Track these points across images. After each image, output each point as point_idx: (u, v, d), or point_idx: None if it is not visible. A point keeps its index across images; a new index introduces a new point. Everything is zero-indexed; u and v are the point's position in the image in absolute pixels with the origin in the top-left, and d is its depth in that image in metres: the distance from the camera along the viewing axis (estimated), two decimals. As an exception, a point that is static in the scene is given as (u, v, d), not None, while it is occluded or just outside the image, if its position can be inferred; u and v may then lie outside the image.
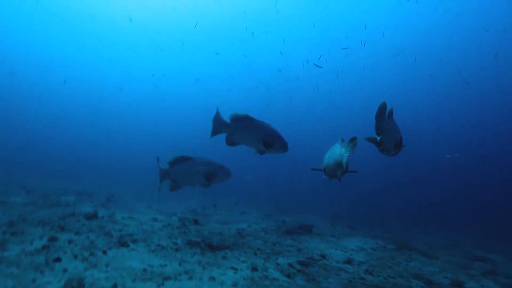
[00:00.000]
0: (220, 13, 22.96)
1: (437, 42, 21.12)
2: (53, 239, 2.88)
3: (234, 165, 3.82)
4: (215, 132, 3.05)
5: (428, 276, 3.60)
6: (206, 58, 27.20)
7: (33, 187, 7.07)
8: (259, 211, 8.92)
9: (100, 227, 3.73)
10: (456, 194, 18.72)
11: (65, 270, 2.24)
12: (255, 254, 3.51)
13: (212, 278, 2.50)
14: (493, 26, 18.25)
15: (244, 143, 3.09)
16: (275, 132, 3.01)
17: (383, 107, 2.38)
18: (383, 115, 2.43)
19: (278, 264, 3.21)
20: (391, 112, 2.49)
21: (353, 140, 2.33)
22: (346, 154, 2.31)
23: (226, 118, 3.05)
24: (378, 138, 2.50)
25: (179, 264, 2.74)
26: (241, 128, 2.99)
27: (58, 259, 2.41)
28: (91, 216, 4.21)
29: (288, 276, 2.86)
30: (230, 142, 3.06)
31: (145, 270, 2.47)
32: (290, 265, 3.23)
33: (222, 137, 3.12)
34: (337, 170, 2.48)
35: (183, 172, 3.37)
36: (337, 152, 2.51)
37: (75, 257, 2.52)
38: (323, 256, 3.87)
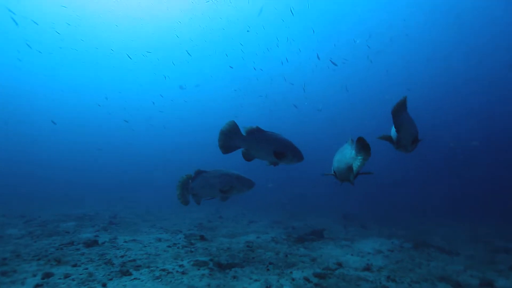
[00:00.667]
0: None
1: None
2: (47, 276, 2.66)
3: (257, 174, 3.62)
4: (229, 147, 2.83)
5: (454, 276, 3.36)
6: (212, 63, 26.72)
7: (33, 215, 6.85)
8: (267, 218, 8.67)
9: (100, 255, 3.51)
10: (467, 184, 18.39)
11: (60, 313, 2.03)
12: (268, 269, 3.28)
13: (223, 305, 2.27)
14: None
15: (258, 156, 2.94)
16: (286, 141, 2.83)
17: (403, 102, 2.17)
18: (404, 111, 2.23)
19: (293, 279, 2.97)
20: (406, 105, 2.29)
21: (361, 142, 2.12)
22: (359, 157, 2.09)
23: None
24: (396, 134, 2.30)
25: (186, 291, 2.52)
26: (256, 141, 2.83)
27: (52, 299, 2.19)
28: (91, 243, 3.99)
29: (306, 293, 2.63)
30: (247, 157, 2.92)
31: (149, 302, 2.25)
32: (306, 279, 3.00)
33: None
34: (350, 174, 2.27)
35: (200, 185, 3.29)
36: (348, 154, 2.30)
37: (72, 294, 2.31)
38: (340, 264, 3.63)
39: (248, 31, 18.17)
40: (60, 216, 6.84)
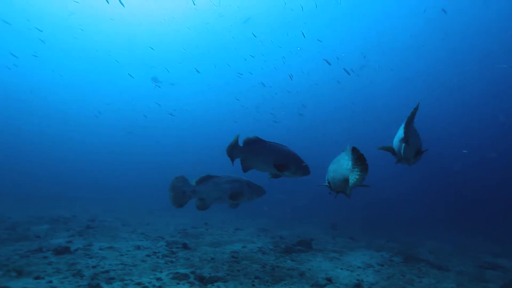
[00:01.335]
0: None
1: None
2: (3, 290, 2.34)
3: (269, 183, 3.46)
4: (232, 158, 2.89)
5: (447, 295, 3.22)
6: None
7: (3, 216, 6.37)
8: (254, 225, 8.43)
9: (70, 264, 3.19)
10: (453, 196, 18.66)
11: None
12: (253, 285, 3.05)
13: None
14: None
15: (257, 167, 2.86)
16: (289, 153, 2.67)
17: (416, 110, 2.02)
18: (413, 120, 2.07)
19: (280, 297, 2.76)
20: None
21: (357, 154, 1.94)
22: (357, 170, 1.92)
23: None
24: (399, 145, 2.13)
25: (162, 311, 2.26)
26: (251, 152, 2.77)
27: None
28: (62, 251, 3.65)
29: (294, 313, 2.42)
30: (245, 167, 2.88)
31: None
32: (294, 297, 2.79)
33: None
34: (346, 186, 2.09)
35: (209, 190, 3.22)
36: (344, 165, 2.13)
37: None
38: (329, 280, 3.44)
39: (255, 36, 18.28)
40: (33, 218, 6.39)
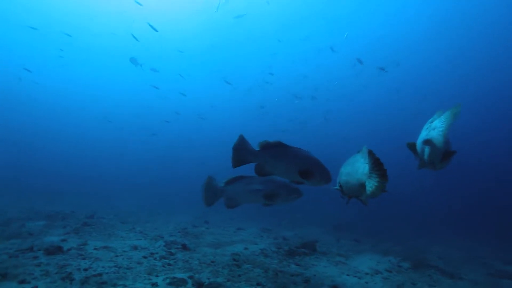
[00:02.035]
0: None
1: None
2: (-17, 296, 2.15)
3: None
4: (239, 161, 2.59)
5: (464, 309, 2.99)
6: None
7: (-1, 211, 6.23)
8: (256, 225, 8.22)
9: (60, 266, 3.00)
10: (461, 199, 18.29)
11: None
12: (255, 293, 2.84)
13: None
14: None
15: (277, 173, 2.61)
16: (313, 159, 2.44)
17: (459, 110, 1.77)
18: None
19: (284, 308, 2.54)
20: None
21: (373, 158, 1.71)
22: (375, 177, 1.69)
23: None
24: (423, 148, 1.88)
25: (155, 323, 2.06)
26: (273, 156, 2.51)
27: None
28: (54, 250, 3.47)
29: (299, 328, 2.20)
30: (261, 172, 2.63)
31: None
32: (299, 308, 2.57)
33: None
34: (362, 192, 1.86)
35: (240, 190, 3.12)
36: (360, 169, 1.89)
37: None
38: (336, 288, 3.22)
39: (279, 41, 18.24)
40: (29, 213, 6.24)
